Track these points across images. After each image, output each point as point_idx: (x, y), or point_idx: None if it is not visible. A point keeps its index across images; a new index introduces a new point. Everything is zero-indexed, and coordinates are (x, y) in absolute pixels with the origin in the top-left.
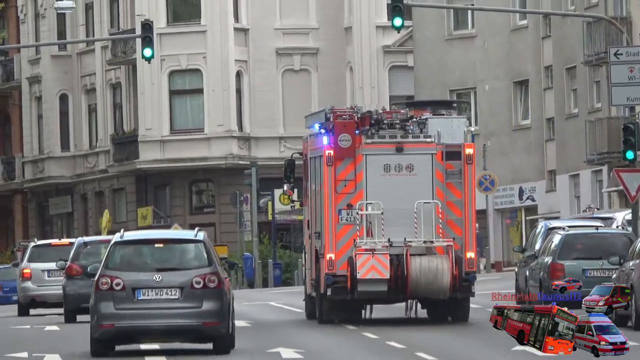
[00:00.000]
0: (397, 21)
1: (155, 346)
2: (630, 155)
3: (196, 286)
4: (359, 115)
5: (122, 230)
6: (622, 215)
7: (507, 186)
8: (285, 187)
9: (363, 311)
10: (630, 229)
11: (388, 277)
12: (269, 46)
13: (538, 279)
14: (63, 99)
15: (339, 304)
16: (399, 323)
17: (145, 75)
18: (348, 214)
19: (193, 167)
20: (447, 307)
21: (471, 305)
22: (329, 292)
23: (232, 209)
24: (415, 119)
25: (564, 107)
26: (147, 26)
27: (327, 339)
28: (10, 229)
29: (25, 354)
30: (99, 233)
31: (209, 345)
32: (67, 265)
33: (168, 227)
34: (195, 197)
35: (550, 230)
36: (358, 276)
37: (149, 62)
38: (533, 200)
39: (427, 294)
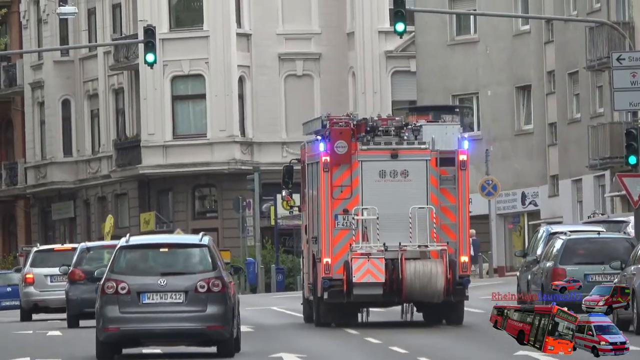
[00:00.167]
0: (400, 26)
1: (157, 350)
2: (632, 160)
3: (200, 290)
4: (355, 123)
5: (127, 234)
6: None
7: (509, 191)
8: (283, 193)
9: (360, 315)
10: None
11: (383, 281)
12: (271, 51)
13: (540, 283)
14: (65, 104)
15: (335, 307)
16: (400, 327)
17: (148, 80)
18: (344, 219)
19: (196, 172)
20: (442, 310)
21: (473, 310)
22: (325, 296)
23: (235, 214)
24: (410, 126)
25: (567, 112)
26: (149, 31)
27: (329, 343)
28: (12, 234)
29: (27, 359)
30: (101, 238)
31: (214, 349)
32: (70, 271)
33: (171, 232)
34: (197, 202)
35: (552, 235)
36: (354, 280)
37: (152, 68)
38: (535, 205)
39: (422, 298)
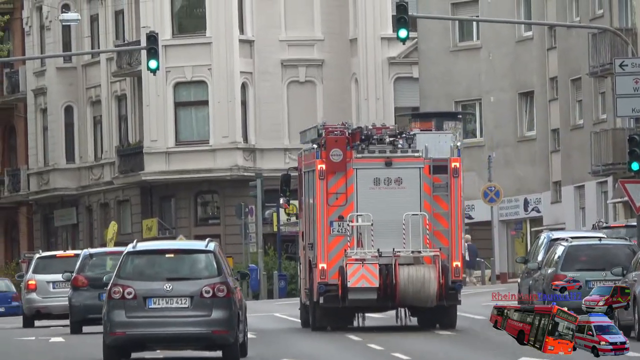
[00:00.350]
0: (402, 33)
1: (164, 354)
2: (635, 166)
3: (205, 295)
4: (350, 131)
5: (135, 240)
6: None
7: (512, 197)
8: (281, 201)
9: (355, 320)
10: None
11: (377, 286)
12: (274, 58)
13: (541, 290)
14: (68, 110)
15: (331, 311)
16: (401, 333)
17: (151, 87)
18: (339, 226)
19: (198, 178)
20: (435, 314)
21: (474, 317)
22: (321, 300)
23: (237, 220)
24: (404, 135)
25: (569, 118)
26: (152, 38)
27: (331, 349)
28: (15, 241)
29: None
30: (104, 245)
31: (219, 353)
32: (73, 277)
33: (173, 238)
34: (200, 209)
35: (552, 241)
36: (349, 285)
37: (154, 74)
38: (538, 211)
39: (415, 302)
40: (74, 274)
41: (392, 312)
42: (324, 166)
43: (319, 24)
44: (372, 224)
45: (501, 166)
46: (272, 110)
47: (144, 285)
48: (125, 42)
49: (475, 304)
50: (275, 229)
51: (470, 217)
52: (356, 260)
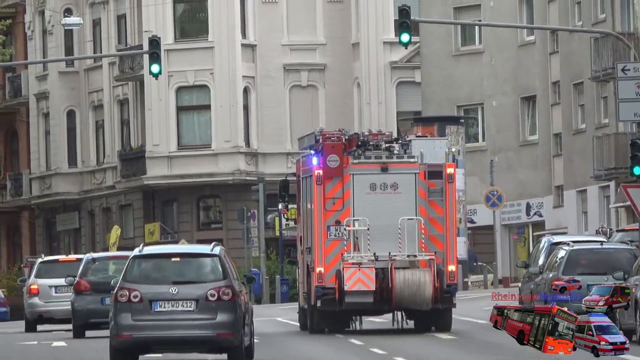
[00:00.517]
0: (405, 37)
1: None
2: (637, 171)
3: (211, 298)
4: (347, 137)
5: (142, 244)
6: None
7: (514, 202)
8: (280, 206)
9: (352, 323)
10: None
11: (374, 289)
12: (276, 62)
13: (543, 294)
14: (70, 115)
15: (328, 314)
16: (401, 337)
17: (153, 91)
18: (336, 230)
19: (200, 183)
20: (430, 317)
21: (476, 321)
22: (319, 304)
23: (240, 224)
24: (400, 141)
25: (571, 122)
26: (154, 42)
27: (334, 353)
28: (17, 245)
29: None
30: (106, 249)
31: (224, 356)
32: (75, 281)
33: (175, 243)
34: (202, 213)
35: (553, 246)
36: (345, 288)
37: (157, 78)
38: (540, 215)
39: (411, 305)
40: (76, 279)
41: (389, 316)
42: (321, 172)
43: (321, 28)
44: (368, 229)
45: (503, 170)
46: (274, 114)
47: (150, 289)
48: (128, 46)
49: (477, 307)
50: (278, 233)
51: (472, 222)
52: (353, 264)
